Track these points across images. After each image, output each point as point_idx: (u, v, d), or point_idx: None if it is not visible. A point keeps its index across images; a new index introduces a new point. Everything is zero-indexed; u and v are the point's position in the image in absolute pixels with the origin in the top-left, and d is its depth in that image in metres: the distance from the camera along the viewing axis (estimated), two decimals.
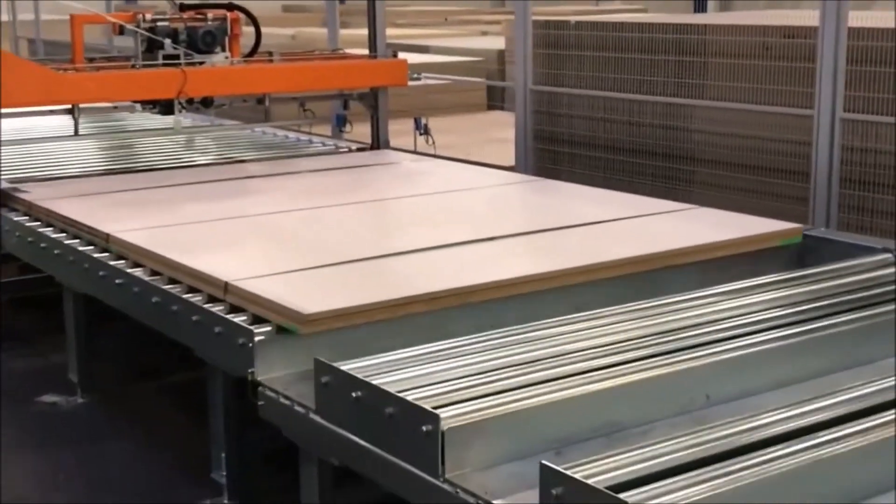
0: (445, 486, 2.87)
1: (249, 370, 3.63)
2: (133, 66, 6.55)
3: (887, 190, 5.86)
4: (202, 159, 7.05)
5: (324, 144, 7.71)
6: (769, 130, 6.44)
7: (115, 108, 7.22)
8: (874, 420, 2.85)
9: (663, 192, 6.50)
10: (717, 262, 4.44)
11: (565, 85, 7.66)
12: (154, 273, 4.34)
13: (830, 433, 2.76)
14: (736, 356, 3.38)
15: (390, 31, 8.39)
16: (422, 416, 2.92)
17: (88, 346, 5.10)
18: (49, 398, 5.18)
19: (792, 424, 2.83)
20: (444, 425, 2.87)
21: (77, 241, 4.91)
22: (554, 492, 2.50)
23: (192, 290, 4.13)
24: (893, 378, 3.14)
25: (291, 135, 8.13)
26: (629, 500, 2.37)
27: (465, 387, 3.14)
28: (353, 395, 3.16)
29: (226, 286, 3.93)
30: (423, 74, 8.01)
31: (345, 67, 7.32)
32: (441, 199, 5.65)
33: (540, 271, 4.07)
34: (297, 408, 3.44)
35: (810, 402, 2.96)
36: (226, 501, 4.03)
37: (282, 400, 3.52)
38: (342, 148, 7.47)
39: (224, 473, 4.02)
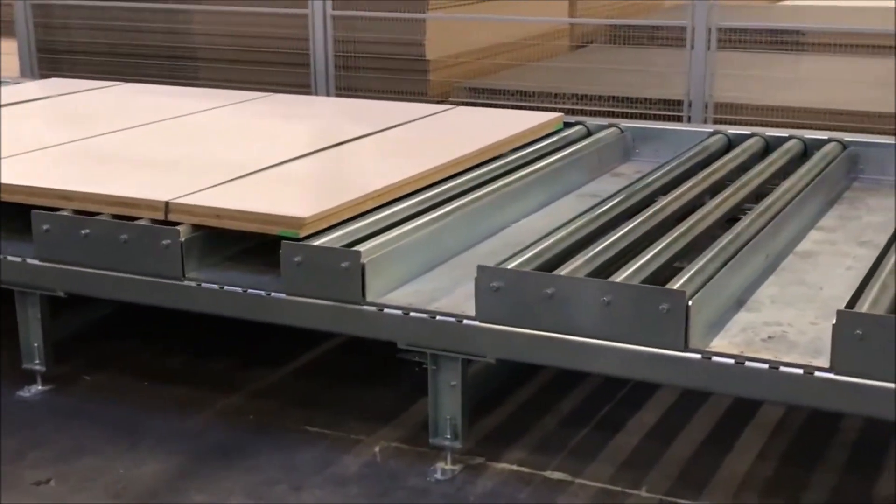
0: (189, 283, 3.75)
1: None
2: None
3: (370, 70, 7.28)
4: None
5: None
6: (269, 28, 7.56)
7: None
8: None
9: None
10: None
11: None
12: None
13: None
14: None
15: None
16: (162, 234, 3.75)
17: None
18: None
19: None
20: (182, 237, 3.73)
21: None
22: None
23: None
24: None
25: None
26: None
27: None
28: (83, 232, 3.87)
29: (167, 206, 3.85)
30: None
31: None
32: (229, 114, 5.61)
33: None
34: (12, 258, 4.03)
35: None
36: None
37: None
38: None
39: None
